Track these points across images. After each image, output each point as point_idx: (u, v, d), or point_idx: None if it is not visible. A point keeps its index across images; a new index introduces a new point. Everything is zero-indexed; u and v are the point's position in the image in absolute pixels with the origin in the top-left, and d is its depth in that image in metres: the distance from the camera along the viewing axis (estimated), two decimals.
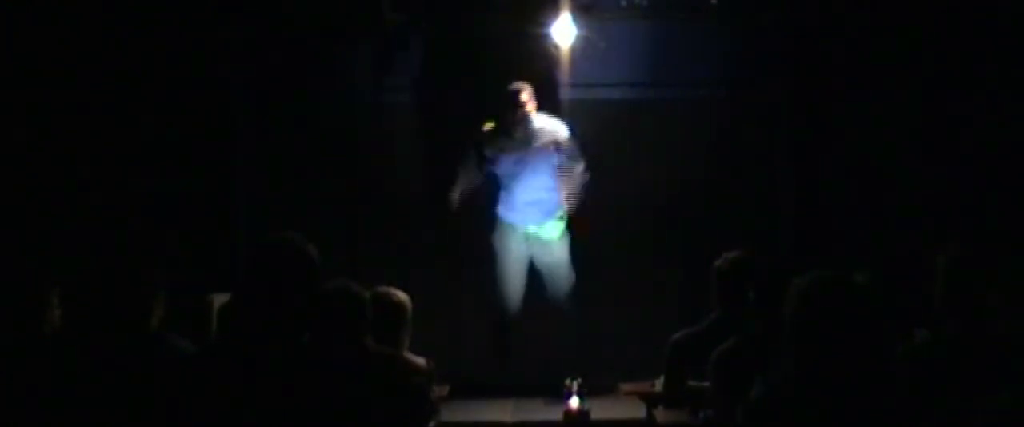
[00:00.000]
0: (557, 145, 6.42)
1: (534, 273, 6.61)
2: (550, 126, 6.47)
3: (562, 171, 6.44)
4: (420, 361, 4.37)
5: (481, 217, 6.61)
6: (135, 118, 6.42)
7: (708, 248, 4.90)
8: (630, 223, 6.98)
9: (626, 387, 5.66)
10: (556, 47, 6.76)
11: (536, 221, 6.49)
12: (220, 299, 4.52)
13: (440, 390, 5.25)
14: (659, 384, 4.82)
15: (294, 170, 6.91)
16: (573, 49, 6.78)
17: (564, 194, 6.45)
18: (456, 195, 6.47)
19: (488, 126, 6.47)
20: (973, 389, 2.93)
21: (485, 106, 6.59)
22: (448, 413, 5.59)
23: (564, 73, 6.86)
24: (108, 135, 6.39)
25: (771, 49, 6.97)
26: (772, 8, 6.88)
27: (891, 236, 6.50)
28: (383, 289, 4.32)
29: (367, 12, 6.81)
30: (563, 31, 6.71)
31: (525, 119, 6.39)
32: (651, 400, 4.92)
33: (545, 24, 6.73)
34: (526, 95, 6.38)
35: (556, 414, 5.45)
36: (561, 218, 6.48)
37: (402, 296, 4.35)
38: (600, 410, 5.53)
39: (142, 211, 6.33)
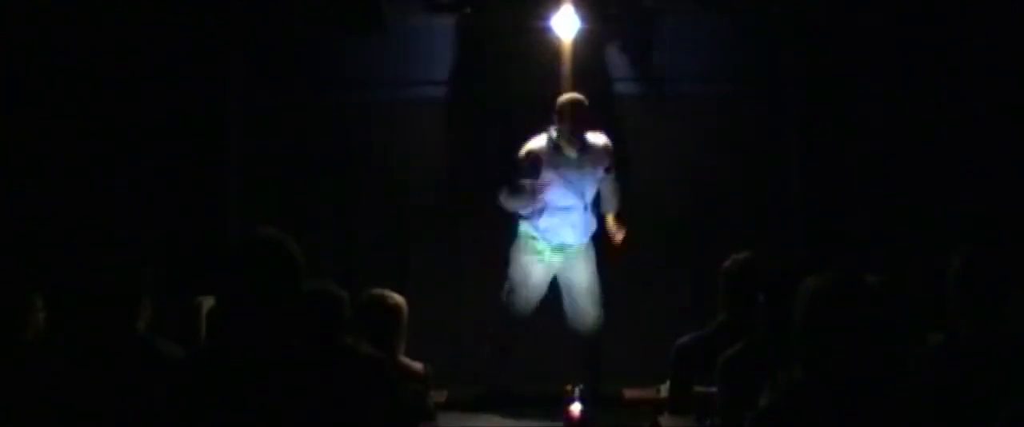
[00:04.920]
0: (606, 158, 6.01)
1: (556, 294, 6.30)
2: (596, 140, 6.04)
3: (606, 182, 6.12)
4: (417, 365, 4.42)
5: (493, 225, 6.40)
6: (123, 116, 6.38)
7: (715, 249, 4.84)
8: (634, 223, 6.87)
9: (630, 393, 5.60)
10: (560, 41, 6.64)
11: (570, 240, 6.10)
12: (209, 302, 4.45)
13: (437, 395, 5.19)
14: (664, 390, 4.77)
15: (287, 170, 6.83)
16: (578, 44, 6.65)
17: (612, 206, 6.12)
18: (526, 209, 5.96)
19: (536, 145, 5.96)
20: (989, 393, 2.87)
21: (485, 104, 6.53)
22: (446, 418, 5.53)
23: (568, 68, 6.73)
24: (96, 133, 6.34)
25: (781, 44, 6.90)
26: (781, 1, 6.79)
27: (904, 237, 6.43)
28: (378, 292, 4.35)
29: (364, 8, 6.73)
30: (565, 24, 6.57)
31: (583, 136, 5.91)
32: (656, 406, 4.87)
33: (547, 17, 6.61)
34: (585, 108, 5.87)
35: (557, 420, 5.38)
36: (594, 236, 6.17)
37: (398, 299, 4.36)
38: (603, 416, 5.45)
39: (129, 211, 6.26)
